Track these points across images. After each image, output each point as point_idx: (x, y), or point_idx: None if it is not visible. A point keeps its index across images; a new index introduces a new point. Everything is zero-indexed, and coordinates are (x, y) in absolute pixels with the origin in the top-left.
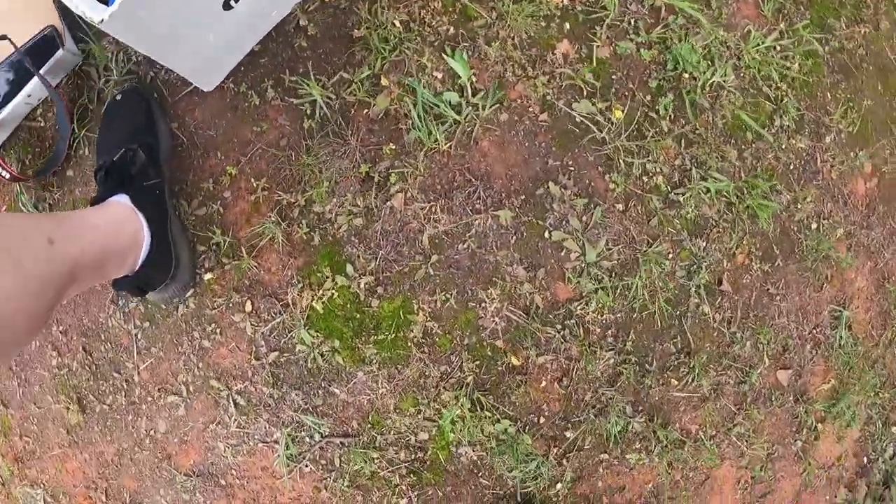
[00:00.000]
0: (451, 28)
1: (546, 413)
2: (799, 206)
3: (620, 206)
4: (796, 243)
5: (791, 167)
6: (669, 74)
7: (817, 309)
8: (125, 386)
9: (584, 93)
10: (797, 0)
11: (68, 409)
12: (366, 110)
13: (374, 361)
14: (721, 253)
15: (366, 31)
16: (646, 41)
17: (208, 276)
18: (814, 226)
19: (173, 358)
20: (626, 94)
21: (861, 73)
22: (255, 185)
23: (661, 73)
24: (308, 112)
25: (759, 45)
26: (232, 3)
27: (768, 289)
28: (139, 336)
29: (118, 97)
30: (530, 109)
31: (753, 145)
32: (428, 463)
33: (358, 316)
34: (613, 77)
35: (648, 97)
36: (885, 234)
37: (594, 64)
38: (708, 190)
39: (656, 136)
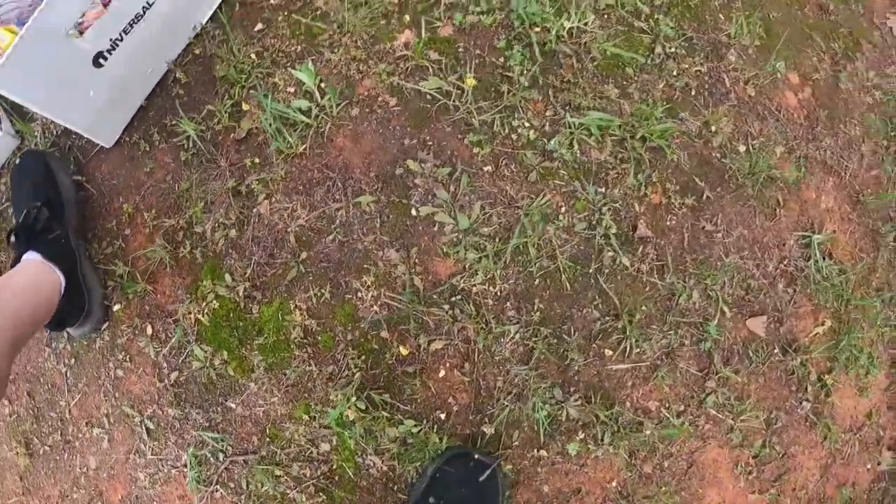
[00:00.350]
0: (299, 47)
1: (454, 407)
2: (713, 129)
3: (489, 168)
4: (724, 170)
5: (693, 92)
6: (517, 32)
7: (778, 240)
8: (60, 424)
9: (431, 70)
10: None
11: (18, 454)
12: (232, 134)
13: (261, 368)
14: (628, 196)
15: (226, 68)
16: (486, 9)
17: (117, 307)
18: (742, 148)
19: (95, 391)
20: (476, 61)
21: None
22: (146, 218)
23: (508, 34)
24: (185, 147)
25: None
26: (101, 61)
27: (703, 226)
28: (68, 374)
29: (17, 161)
30: (380, 99)
31: (638, 79)
32: (336, 478)
33: (241, 324)
34: (460, 50)
35: (501, 59)
36: (841, 144)
37: (438, 43)
38: (589, 132)
39: (514, 91)
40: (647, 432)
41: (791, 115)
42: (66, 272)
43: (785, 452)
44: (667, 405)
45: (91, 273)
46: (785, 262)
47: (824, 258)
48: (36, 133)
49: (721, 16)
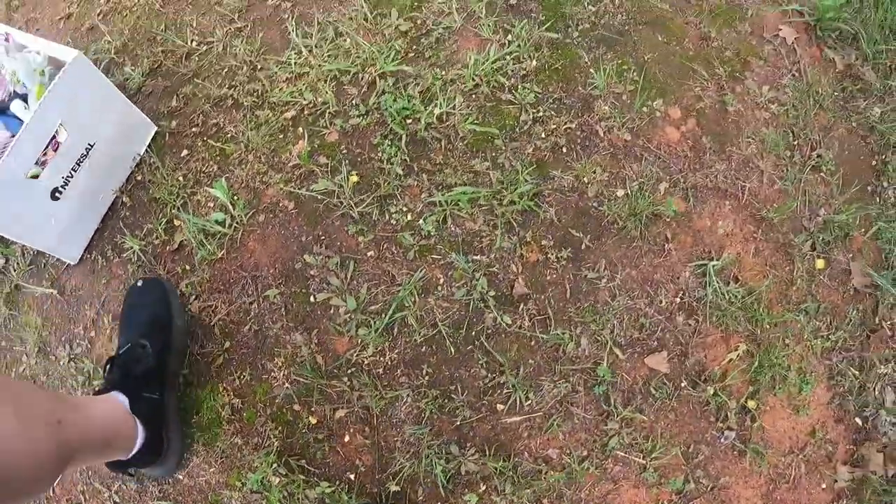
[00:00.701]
0: (216, 167)
1: (361, 468)
2: (586, 180)
3: (372, 253)
4: (602, 218)
5: (564, 149)
6: (390, 127)
7: (671, 274)
8: None
9: (320, 174)
10: (518, 8)
11: None
12: (168, 247)
13: (200, 442)
14: (504, 258)
15: (159, 191)
16: (364, 111)
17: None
18: (620, 193)
19: (72, 468)
20: (358, 159)
21: (629, 37)
22: (106, 322)
23: (384, 130)
24: (133, 260)
25: (483, 63)
26: (57, 195)
27: (585, 275)
28: None
29: (139, 283)
30: (280, 204)
31: (507, 148)
32: None
33: (182, 405)
34: (344, 151)
35: (379, 154)
36: (736, 165)
37: (326, 148)
38: (460, 206)
39: (389, 181)
40: (548, 480)
41: (674, 149)
42: (149, 431)
43: (714, 485)
44: (568, 451)
45: (175, 423)
46: (682, 295)
47: (728, 283)
48: (17, 253)
49: (592, 70)
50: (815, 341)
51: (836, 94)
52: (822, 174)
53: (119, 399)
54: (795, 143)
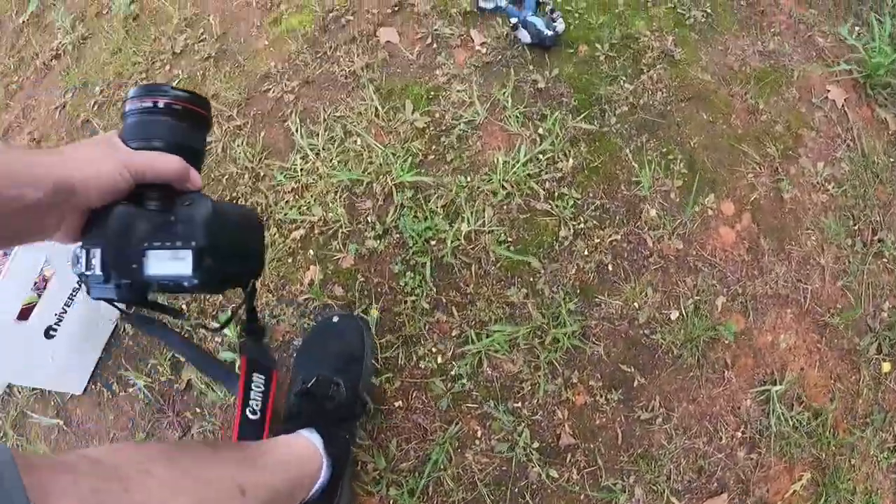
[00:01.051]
0: (221, 295)
1: None
2: (637, 305)
3: (400, 404)
4: (655, 347)
5: (609, 268)
6: (413, 251)
7: (731, 405)
8: None
9: (336, 308)
10: (547, 93)
11: None
12: (175, 385)
13: None
14: (548, 404)
15: (165, 319)
16: (380, 232)
17: None
18: (674, 315)
19: None
20: (378, 291)
21: (671, 118)
22: None
23: (404, 254)
24: (139, 396)
25: (514, 166)
26: (52, 332)
27: (637, 416)
28: None
29: (335, 319)
30: (294, 343)
31: (545, 270)
32: None
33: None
34: (362, 280)
35: (402, 285)
36: (796, 265)
37: (341, 276)
38: (496, 348)
39: (415, 318)
40: None
41: (730, 254)
42: (334, 472)
43: None
44: None
45: (350, 473)
46: (743, 428)
47: (791, 406)
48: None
49: (635, 164)
50: (881, 455)
51: (892, 161)
52: (884, 260)
53: (312, 440)
54: (856, 227)
